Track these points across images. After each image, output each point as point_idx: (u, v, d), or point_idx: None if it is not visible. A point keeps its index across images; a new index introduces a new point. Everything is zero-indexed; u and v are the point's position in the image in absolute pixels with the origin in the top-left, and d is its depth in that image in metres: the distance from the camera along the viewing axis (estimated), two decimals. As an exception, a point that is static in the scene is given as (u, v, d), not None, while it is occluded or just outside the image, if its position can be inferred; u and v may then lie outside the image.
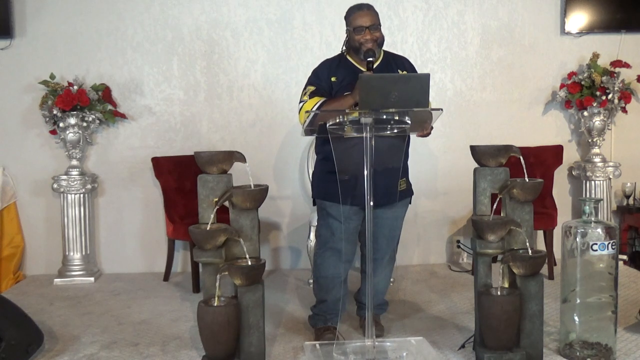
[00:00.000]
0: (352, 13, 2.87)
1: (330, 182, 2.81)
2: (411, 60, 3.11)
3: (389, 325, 3.17)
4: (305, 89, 2.90)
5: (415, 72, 3.06)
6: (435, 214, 4.56)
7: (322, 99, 2.79)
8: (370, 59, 2.74)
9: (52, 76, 4.17)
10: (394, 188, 2.88)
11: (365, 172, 2.55)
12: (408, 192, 3.02)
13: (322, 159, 2.97)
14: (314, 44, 4.43)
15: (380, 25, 2.87)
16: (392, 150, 2.81)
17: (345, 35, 2.94)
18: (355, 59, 2.91)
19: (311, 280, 3.96)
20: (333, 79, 2.87)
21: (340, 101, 2.73)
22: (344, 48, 2.98)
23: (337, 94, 2.83)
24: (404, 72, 2.92)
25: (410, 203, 3.09)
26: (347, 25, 2.92)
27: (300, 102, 2.86)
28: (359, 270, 3.33)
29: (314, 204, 3.09)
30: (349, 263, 3.00)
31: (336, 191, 2.73)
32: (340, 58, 2.97)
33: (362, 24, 2.80)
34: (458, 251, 4.58)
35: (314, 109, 2.74)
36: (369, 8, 2.87)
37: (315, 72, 2.94)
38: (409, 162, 3.02)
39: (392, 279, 3.97)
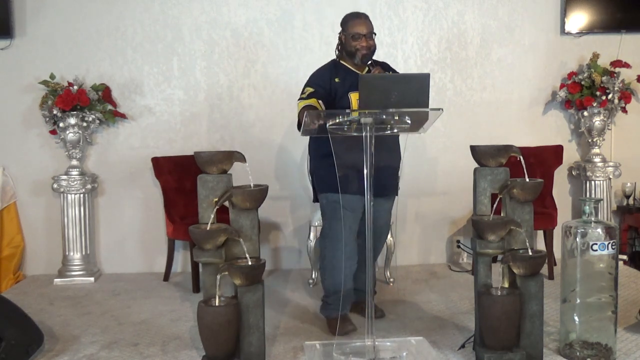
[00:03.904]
0: (350, 20, 3.05)
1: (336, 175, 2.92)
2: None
3: (389, 325, 3.17)
4: (303, 90, 3.03)
5: (394, 72, 3.18)
6: (435, 214, 4.56)
7: (311, 102, 2.93)
8: (370, 62, 2.98)
9: (52, 76, 4.17)
10: (393, 181, 3.09)
11: (366, 171, 2.59)
12: (397, 188, 3.21)
13: (324, 155, 2.98)
14: (314, 44, 4.43)
15: (374, 35, 3.03)
16: (390, 147, 3.06)
17: (338, 40, 3.11)
18: (349, 62, 3.07)
19: (311, 280, 3.97)
20: (337, 79, 3.01)
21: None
22: (337, 53, 3.14)
23: (338, 93, 2.98)
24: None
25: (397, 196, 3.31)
26: (343, 31, 3.07)
27: (300, 99, 3.01)
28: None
29: (315, 200, 3.19)
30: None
31: (345, 183, 2.87)
32: (335, 63, 3.12)
33: (360, 32, 2.99)
34: (458, 251, 4.58)
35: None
36: (366, 17, 3.06)
37: (315, 75, 3.08)
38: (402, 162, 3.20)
39: (392, 279, 3.98)
